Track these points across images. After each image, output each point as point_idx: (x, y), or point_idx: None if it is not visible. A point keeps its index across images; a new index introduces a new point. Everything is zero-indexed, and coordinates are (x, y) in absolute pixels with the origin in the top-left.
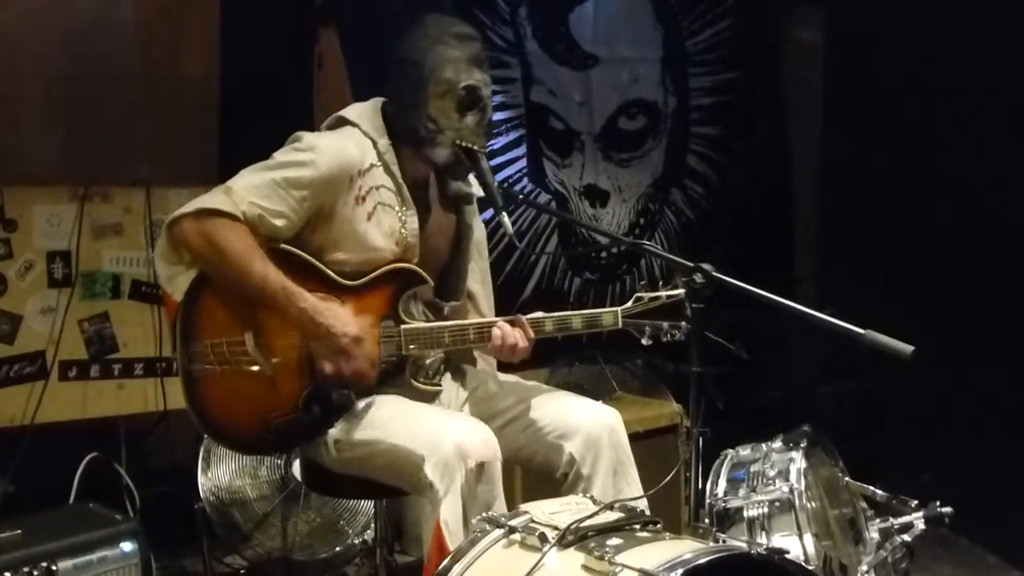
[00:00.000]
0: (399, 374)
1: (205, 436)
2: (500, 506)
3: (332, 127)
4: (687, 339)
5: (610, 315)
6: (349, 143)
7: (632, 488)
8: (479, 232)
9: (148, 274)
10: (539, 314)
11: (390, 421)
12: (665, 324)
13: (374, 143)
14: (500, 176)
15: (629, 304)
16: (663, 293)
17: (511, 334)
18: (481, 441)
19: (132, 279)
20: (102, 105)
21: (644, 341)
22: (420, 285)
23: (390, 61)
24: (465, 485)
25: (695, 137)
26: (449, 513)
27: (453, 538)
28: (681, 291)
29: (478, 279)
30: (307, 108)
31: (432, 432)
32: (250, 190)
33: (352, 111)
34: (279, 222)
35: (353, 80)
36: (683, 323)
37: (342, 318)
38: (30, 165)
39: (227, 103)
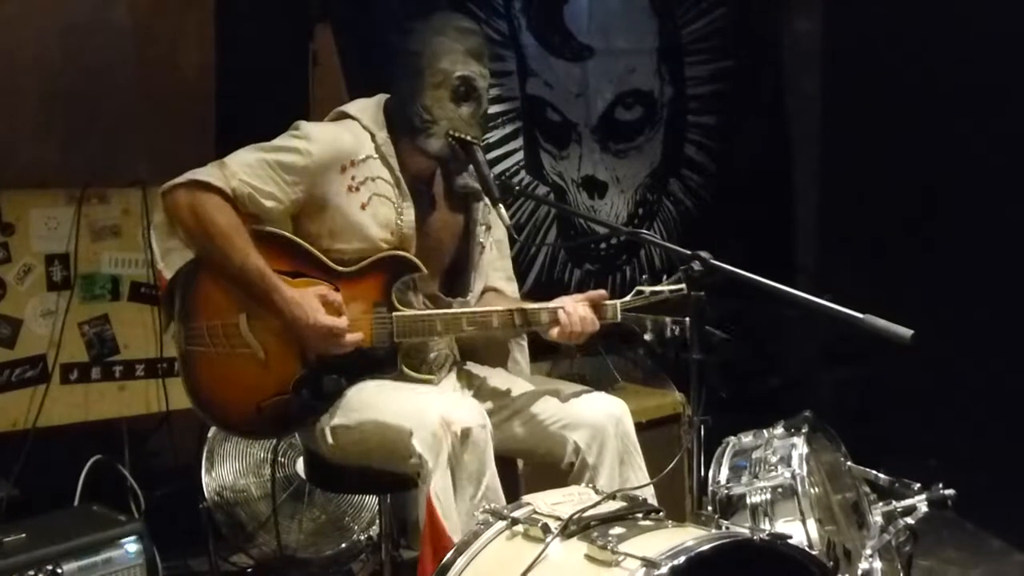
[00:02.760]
0: (390, 361)
1: (208, 436)
2: (491, 476)
3: (333, 120)
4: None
5: (610, 308)
6: (345, 134)
7: (639, 477)
8: (500, 231)
9: (147, 275)
10: (533, 305)
11: (378, 401)
12: (668, 319)
13: (372, 136)
14: (497, 169)
15: (628, 298)
16: (665, 288)
17: (576, 322)
18: (466, 409)
19: (131, 280)
20: (98, 106)
21: (647, 336)
22: (413, 272)
23: (392, 54)
24: (451, 454)
25: (692, 127)
26: (439, 485)
27: (445, 509)
28: (682, 287)
29: (502, 277)
30: (303, 105)
31: (418, 406)
32: (243, 167)
33: (354, 106)
34: (269, 203)
35: (348, 76)
36: (686, 319)
37: (305, 308)
38: (26, 167)
39: (223, 101)
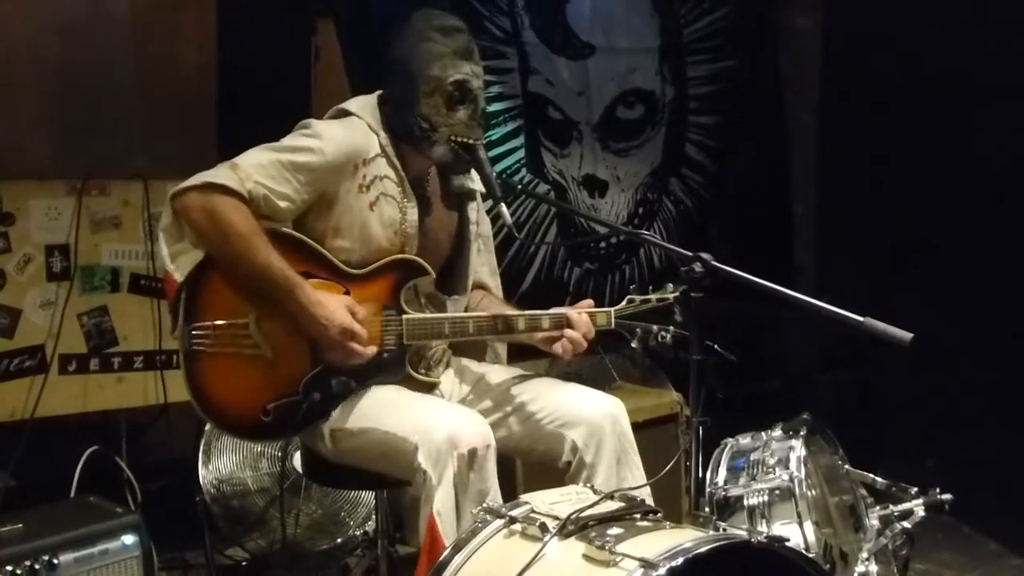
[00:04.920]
0: (398, 364)
1: (205, 428)
2: (494, 495)
3: (336, 118)
4: (675, 343)
5: (604, 315)
6: (356, 132)
7: (635, 476)
8: (485, 227)
9: (147, 267)
10: (534, 312)
11: (384, 411)
12: (655, 327)
13: (377, 135)
14: (498, 167)
15: (622, 305)
16: (653, 296)
17: (576, 342)
18: (473, 429)
19: (131, 272)
20: (99, 98)
21: (633, 344)
22: (422, 276)
23: (383, 61)
24: (457, 474)
25: (693, 126)
26: (442, 503)
27: (446, 528)
28: (671, 295)
29: (487, 271)
30: (305, 99)
31: (424, 421)
32: (256, 169)
33: (354, 104)
34: (283, 204)
35: (350, 71)
36: (672, 327)
37: (331, 309)
38: (27, 159)
39: (224, 94)
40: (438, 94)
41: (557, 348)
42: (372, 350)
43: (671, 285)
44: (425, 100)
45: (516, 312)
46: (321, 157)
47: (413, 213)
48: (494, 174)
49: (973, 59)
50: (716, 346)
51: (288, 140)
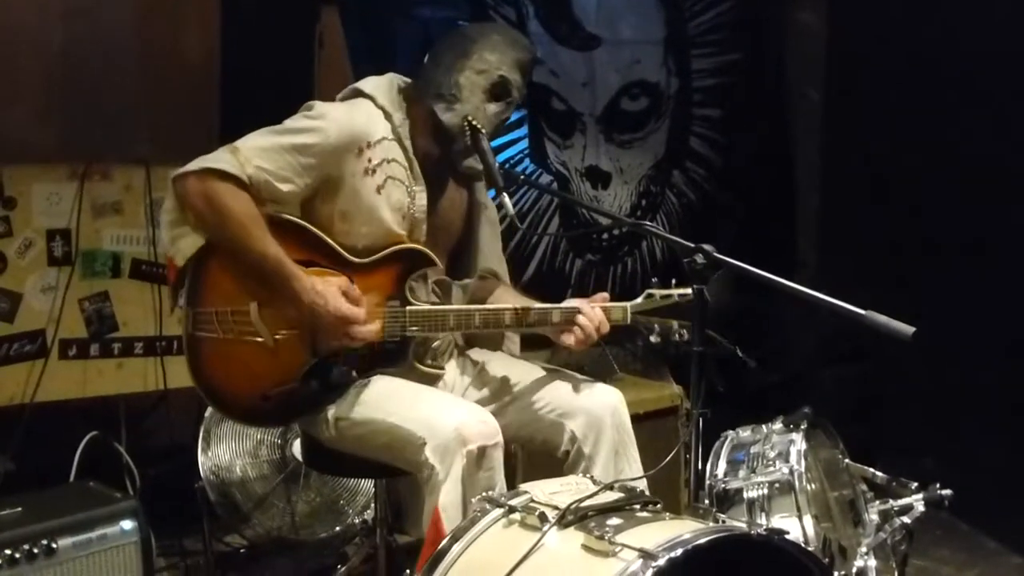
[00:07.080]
0: (402, 355)
1: (205, 415)
2: (500, 490)
3: (347, 98)
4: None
5: (619, 310)
6: (360, 114)
7: (633, 468)
8: (493, 212)
9: (148, 252)
10: (545, 305)
11: (391, 402)
12: (675, 323)
13: (388, 116)
14: (502, 157)
15: (639, 300)
16: (675, 292)
17: (595, 327)
18: (481, 426)
19: (132, 258)
20: (102, 83)
21: (653, 339)
22: (427, 267)
23: (443, 31)
24: (465, 470)
25: (697, 119)
26: (448, 499)
27: (451, 524)
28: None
29: (496, 258)
30: (308, 86)
31: (432, 415)
32: (257, 152)
33: (368, 84)
34: (285, 187)
35: (354, 58)
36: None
37: (327, 297)
38: (29, 143)
39: (227, 80)
40: (484, 76)
41: (568, 338)
42: (375, 327)
43: (688, 270)
44: (470, 74)
45: (526, 305)
46: (323, 138)
47: (422, 197)
48: (497, 164)
49: (979, 55)
50: (720, 338)
51: (290, 122)
